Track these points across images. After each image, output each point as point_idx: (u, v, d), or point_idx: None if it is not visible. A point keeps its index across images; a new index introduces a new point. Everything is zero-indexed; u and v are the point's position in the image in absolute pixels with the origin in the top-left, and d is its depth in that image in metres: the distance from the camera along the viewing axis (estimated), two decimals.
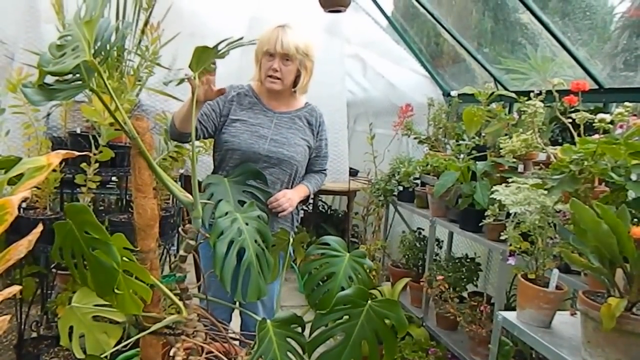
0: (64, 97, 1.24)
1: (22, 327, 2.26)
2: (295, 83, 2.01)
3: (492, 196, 1.62)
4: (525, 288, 1.22)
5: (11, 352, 2.39)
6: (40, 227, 1.14)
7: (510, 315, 1.27)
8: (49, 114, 2.46)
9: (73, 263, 1.27)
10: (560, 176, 1.23)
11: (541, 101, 1.87)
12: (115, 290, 1.23)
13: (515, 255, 1.37)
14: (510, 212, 1.52)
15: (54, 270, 2.33)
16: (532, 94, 1.95)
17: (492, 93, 2.42)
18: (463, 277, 2.37)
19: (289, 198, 1.95)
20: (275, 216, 1.96)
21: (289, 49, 1.88)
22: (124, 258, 1.28)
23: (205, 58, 1.38)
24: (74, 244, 1.24)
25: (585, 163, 1.17)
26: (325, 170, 2.19)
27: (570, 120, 1.77)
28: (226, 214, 1.40)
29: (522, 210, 1.52)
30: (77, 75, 1.25)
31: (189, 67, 1.38)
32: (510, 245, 1.44)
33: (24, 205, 2.17)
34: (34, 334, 2.40)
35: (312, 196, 2.16)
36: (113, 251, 1.21)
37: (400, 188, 2.86)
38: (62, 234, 1.24)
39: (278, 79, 1.93)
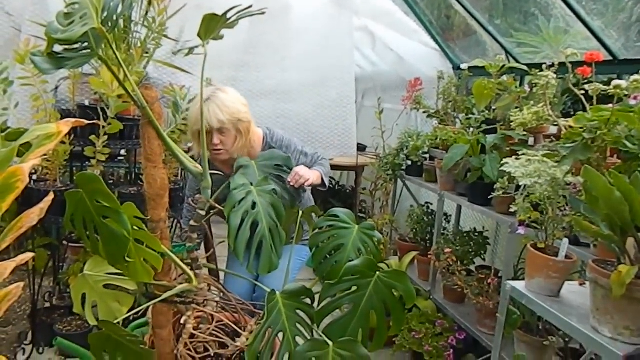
0: (72, 65, 1.24)
1: (36, 297, 2.30)
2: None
3: (502, 169, 1.61)
4: (535, 257, 1.22)
5: (25, 322, 2.45)
6: (51, 196, 1.15)
7: (519, 285, 1.27)
8: (57, 87, 2.46)
9: (85, 232, 1.28)
10: (573, 145, 1.21)
11: (554, 73, 1.84)
12: (126, 259, 1.24)
13: (525, 225, 1.36)
14: (520, 184, 1.52)
15: (65, 242, 2.37)
16: (544, 66, 1.92)
17: (503, 66, 2.38)
18: (471, 250, 2.38)
19: (304, 174, 1.97)
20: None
21: (214, 123, 1.90)
22: (135, 227, 1.29)
23: (213, 26, 1.36)
24: (86, 212, 1.25)
25: (599, 132, 1.16)
26: (317, 160, 2.16)
27: (583, 92, 1.74)
28: (241, 186, 1.40)
29: (532, 182, 1.51)
30: (86, 43, 1.25)
31: (198, 35, 1.36)
32: (520, 216, 1.44)
33: (34, 177, 2.19)
34: (47, 304, 2.45)
35: (326, 183, 2.15)
36: (124, 219, 1.21)
37: (409, 162, 2.85)
38: (74, 203, 1.25)
39: (221, 149, 1.98)
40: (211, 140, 1.95)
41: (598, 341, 1.00)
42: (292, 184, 1.96)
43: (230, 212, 1.32)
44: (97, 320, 1.34)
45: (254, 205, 1.38)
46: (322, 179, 2.13)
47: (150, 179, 1.38)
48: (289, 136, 2.20)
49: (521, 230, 1.39)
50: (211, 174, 1.46)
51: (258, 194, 1.40)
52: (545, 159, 1.53)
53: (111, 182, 2.58)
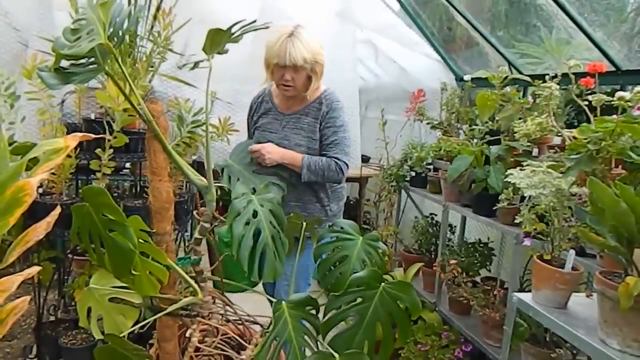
0: (79, 81, 1.25)
1: (41, 310, 2.30)
2: (308, 84, 2.07)
3: (506, 180, 1.61)
4: (541, 269, 1.22)
5: (30, 335, 2.44)
6: (58, 210, 1.16)
7: (526, 297, 1.27)
8: (63, 101, 2.48)
9: (91, 245, 1.29)
10: (578, 156, 1.21)
11: (557, 84, 1.84)
12: (132, 272, 1.24)
13: (531, 236, 1.35)
14: (525, 195, 1.52)
15: (70, 255, 2.37)
16: (547, 77, 1.93)
17: (506, 77, 2.39)
18: (476, 261, 2.37)
19: (267, 151, 2.00)
20: (304, 203, 2.12)
21: (297, 61, 1.95)
22: (140, 240, 1.29)
23: (218, 40, 1.38)
24: (92, 226, 1.26)
25: (604, 143, 1.16)
26: (333, 158, 2.09)
27: (586, 103, 1.75)
28: (242, 195, 1.41)
29: (536, 193, 1.50)
30: (92, 59, 1.26)
31: (202, 49, 1.38)
32: (525, 227, 1.44)
33: (40, 190, 2.20)
34: (52, 317, 2.44)
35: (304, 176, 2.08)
36: (130, 233, 1.22)
37: (413, 173, 2.85)
38: (80, 217, 1.26)
39: (290, 86, 2.03)
40: (282, 75, 2.00)
41: (606, 353, 0.99)
42: (251, 154, 2.01)
43: (232, 221, 1.32)
44: (102, 334, 1.34)
45: (255, 213, 1.38)
46: (303, 167, 2.04)
47: (156, 192, 1.39)
48: (343, 109, 2.16)
49: (527, 242, 1.38)
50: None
51: (259, 202, 1.40)
52: (549, 170, 1.53)
53: (116, 194, 2.58)
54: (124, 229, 1.22)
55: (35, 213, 2.08)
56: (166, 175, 1.40)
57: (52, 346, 2.25)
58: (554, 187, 1.50)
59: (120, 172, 2.92)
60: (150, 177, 1.38)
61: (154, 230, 1.40)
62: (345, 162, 2.07)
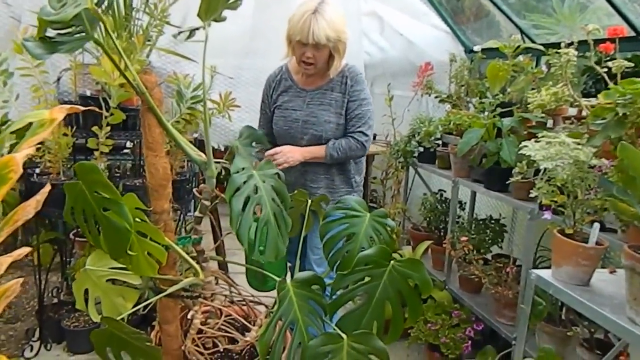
0: (66, 50, 1.17)
1: (42, 293, 2.26)
2: (330, 62, 2.00)
3: (520, 152, 1.53)
4: (563, 244, 1.14)
5: (33, 318, 2.42)
6: (48, 187, 1.09)
7: (545, 273, 1.19)
8: (59, 78, 2.41)
9: (85, 225, 1.23)
10: (603, 122, 1.12)
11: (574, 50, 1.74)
12: (129, 252, 1.18)
13: (551, 210, 1.27)
14: (541, 168, 1.44)
15: (72, 236, 2.32)
16: (562, 44, 1.83)
17: (518, 46, 2.28)
18: (487, 238, 2.29)
19: (285, 154, 1.98)
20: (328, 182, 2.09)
21: (320, 39, 1.88)
22: (137, 219, 1.23)
23: (214, 6, 1.28)
24: (85, 204, 1.20)
25: (634, 105, 1.06)
26: (356, 133, 2.06)
27: (605, 70, 1.65)
28: (242, 169, 1.33)
29: (553, 165, 1.43)
30: (80, 27, 1.18)
31: (198, 15, 1.29)
32: (541, 201, 1.36)
33: (37, 171, 2.14)
34: (55, 300, 2.41)
35: (330, 160, 2.06)
36: (125, 211, 1.15)
37: (421, 149, 2.76)
38: (73, 195, 1.19)
39: (312, 64, 1.96)
40: (304, 53, 1.94)
41: (636, 333, 0.92)
42: (267, 156, 1.95)
43: (231, 197, 1.25)
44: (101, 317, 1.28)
45: (256, 189, 1.31)
46: (327, 158, 2.03)
47: (152, 168, 1.32)
48: (365, 82, 2.13)
49: (547, 215, 1.30)
50: None
51: (260, 178, 1.33)
52: (567, 139, 1.45)
53: (117, 175, 2.52)
54: (119, 207, 1.16)
55: (32, 194, 2.02)
56: (162, 151, 1.33)
57: (54, 329, 2.22)
58: (572, 159, 1.43)
59: (122, 152, 2.86)
60: (146, 152, 1.31)
61: (151, 209, 1.33)
62: (367, 137, 2.08)
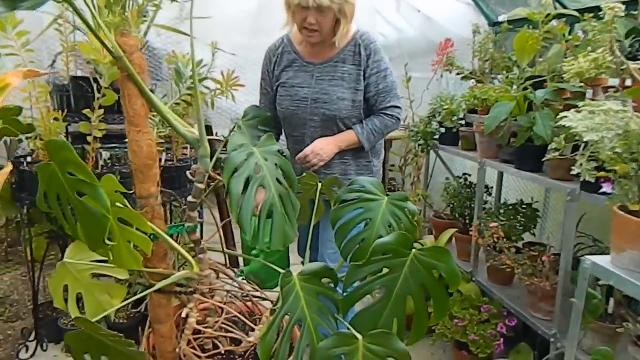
0: (28, 7, 1.00)
1: (37, 290, 2.11)
2: (336, 28, 1.77)
3: (560, 123, 1.34)
4: (627, 223, 0.93)
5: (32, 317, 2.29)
6: (10, 167, 0.94)
7: (603, 261, 0.99)
8: (54, 62, 2.28)
9: (61, 212, 1.07)
10: None
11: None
12: (106, 242, 1.02)
13: (611, 182, 1.07)
14: (584, 141, 1.25)
15: None
16: (603, 4, 1.60)
17: (549, 14, 2.06)
18: (519, 225, 2.08)
19: (317, 153, 1.80)
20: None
21: (323, 1, 1.64)
22: (118, 204, 1.06)
23: None
24: (59, 188, 1.03)
25: None
26: (388, 109, 1.88)
27: None
28: (241, 146, 1.15)
29: (599, 137, 1.25)
30: None
31: None
32: (584, 179, 1.16)
33: (29, 159, 2.00)
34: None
35: (367, 145, 1.89)
36: (101, 195, 0.98)
37: (442, 130, 2.55)
38: (46, 178, 1.03)
39: (315, 31, 1.74)
40: (305, 18, 1.70)
41: None
42: (299, 162, 1.76)
43: (230, 178, 1.07)
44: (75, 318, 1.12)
45: (258, 168, 1.13)
46: (364, 143, 1.86)
47: (135, 146, 1.15)
48: (382, 49, 1.90)
49: (607, 188, 1.09)
50: None
51: (262, 156, 1.15)
52: (614, 106, 1.26)
53: (117, 163, 2.37)
54: (94, 190, 0.99)
55: (23, 182, 1.88)
56: (146, 126, 1.15)
57: (52, 328, 2.08)
58: (621, 129, 1.24)
59: (124, 141, 2.71)
60: (128, 128, 1.14)
61: (133, 192, 1.16)
62: (400, 108, 1.92)
